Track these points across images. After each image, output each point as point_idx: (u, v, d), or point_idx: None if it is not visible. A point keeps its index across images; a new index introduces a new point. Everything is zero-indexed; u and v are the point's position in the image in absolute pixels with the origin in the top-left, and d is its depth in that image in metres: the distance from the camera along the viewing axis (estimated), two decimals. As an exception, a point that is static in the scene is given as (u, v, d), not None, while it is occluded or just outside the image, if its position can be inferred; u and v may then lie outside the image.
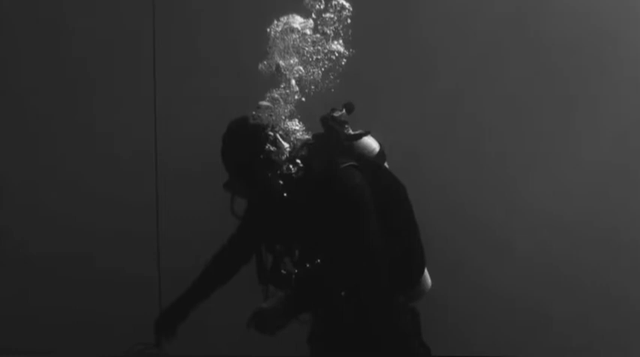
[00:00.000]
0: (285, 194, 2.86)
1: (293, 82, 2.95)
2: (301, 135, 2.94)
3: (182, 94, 4.45)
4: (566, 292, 4.46)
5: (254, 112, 2.92)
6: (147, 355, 3.37)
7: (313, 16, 2.95)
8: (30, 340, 4.45)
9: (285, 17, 2.95)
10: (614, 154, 4.43)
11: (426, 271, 3.15)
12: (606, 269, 4.45)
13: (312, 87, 2.96)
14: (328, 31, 2.97)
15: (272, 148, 2.85)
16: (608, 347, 4.45)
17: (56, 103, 4.53)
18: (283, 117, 2.92)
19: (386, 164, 3.13)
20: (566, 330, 4.46)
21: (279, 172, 2.86)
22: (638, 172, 4.45)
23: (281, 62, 2.94)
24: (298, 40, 2.94)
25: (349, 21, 2.93)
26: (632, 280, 4.46)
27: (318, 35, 2.96)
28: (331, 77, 2.97)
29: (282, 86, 2.94)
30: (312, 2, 2.94)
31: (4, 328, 4.48)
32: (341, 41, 2.98)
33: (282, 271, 3.02)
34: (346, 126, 3.03)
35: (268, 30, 2.95)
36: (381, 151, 3.11)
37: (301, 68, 2.95)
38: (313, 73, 2.95)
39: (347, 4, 2.94)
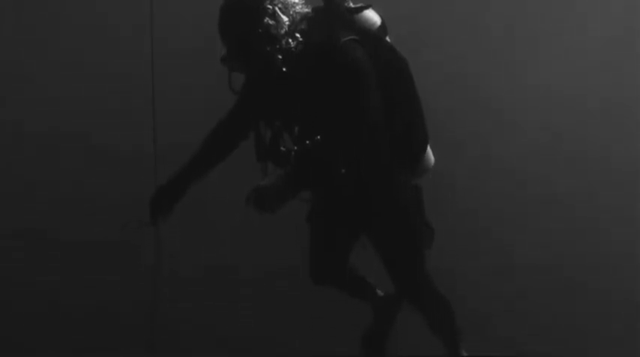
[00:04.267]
0: (284, 69, 2.80)
1: (292, -48, 2.86)
2: (301, 8, 2.86)
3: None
4: (570, 168, 4.49)
5: (252, -16, 2.84)
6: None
7: None
8: (24, 219, 4.47)
9: None
10: (620, 29, 4.40)
11: (429, 148, 3.14)
12: (608, 146, 4.48)
13: (312, -42, 2.88)
14: None
15: (271, 22, 2.77)
16: (612, 222, 4.52)
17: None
18: (282, -11, 2.85)
19: (387, 38, 3.06)
20: (570, 206, 4.51)
21: (278, 46, 2.78)
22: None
23: None
24: None
25: None
26: (633, 155, 4.51)
27: None
28: (332, -52, 2.89)
29: (281, -43, 2.86)
30: None
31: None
32: None
33: (282, 148, 3.00)
34: (347, -1, 2.96)
35: None
36: (383, 24, 3.04)
37: (301, -62, 2.87)
38: (314, -58, 2.88)
39: None
